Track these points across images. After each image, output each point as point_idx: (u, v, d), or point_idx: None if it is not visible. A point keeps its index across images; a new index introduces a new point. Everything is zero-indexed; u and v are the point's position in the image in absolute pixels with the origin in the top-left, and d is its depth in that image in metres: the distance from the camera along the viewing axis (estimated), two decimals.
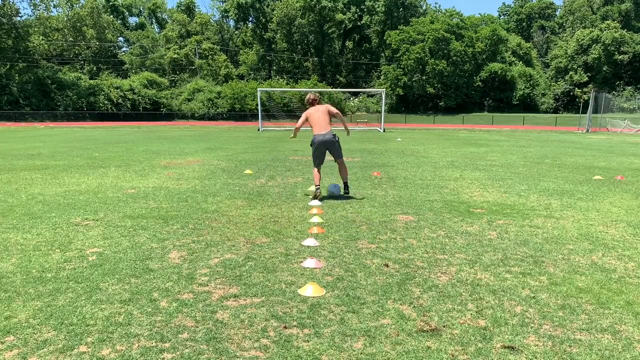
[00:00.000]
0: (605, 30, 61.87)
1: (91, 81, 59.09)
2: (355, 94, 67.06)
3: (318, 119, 7.14)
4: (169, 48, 72.42)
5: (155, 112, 60.03)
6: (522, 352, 2.80)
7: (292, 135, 7.69)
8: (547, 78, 68.00)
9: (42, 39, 60.73)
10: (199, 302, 3.44)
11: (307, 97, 7.45)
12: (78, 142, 19.60)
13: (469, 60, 65.03)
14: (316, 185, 7.14)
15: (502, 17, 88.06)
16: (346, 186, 7.45)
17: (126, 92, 58.89)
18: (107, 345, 2.84)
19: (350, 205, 6.87)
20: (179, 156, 13.74)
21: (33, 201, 6.93)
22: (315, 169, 7.28)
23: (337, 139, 7.25)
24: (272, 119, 50.40)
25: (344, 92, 63.15)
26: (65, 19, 67.20)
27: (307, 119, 7.23)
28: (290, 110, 56.41)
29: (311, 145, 7.27)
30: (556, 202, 7.26)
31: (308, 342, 2.90)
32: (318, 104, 7.36)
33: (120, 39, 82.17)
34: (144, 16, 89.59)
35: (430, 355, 2.76)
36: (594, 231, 5.55)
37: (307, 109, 7.39)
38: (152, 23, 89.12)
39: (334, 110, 7.27)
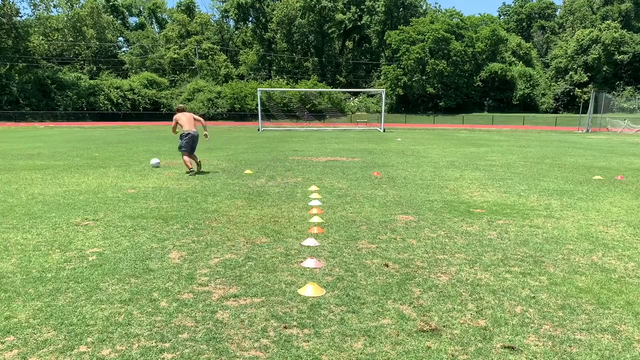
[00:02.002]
0: (605, 30, 61.76)
1: (91, 81, 59.02)
2: (355, 94, 67.02)
3: (187, 120, 9.92)
4: (169, 48, 72.35)
5: (155, 112, 59.98)
6: (522, 352, 2.80)
7: (173, 131, 10.07)
8: (547, 78, 67.90)
9: (42, 39, 60.67)
10: (199, 302, 3.44)
11: (178, 106, 10.22)
12: (78, 142, 19.59)
13: (469, 60, 64.96)
14: (190, 169, 9.81)
15: (502, 17, 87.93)
16: (199, 164, 10.22)
17: (126, 92, 58.85)
18: (107, 345, 2.84)
19: (350, 205, 6.88)
20: (179, 156, 13.71)
21: (33, 201, 6.93)
22: (186, 157, 9.89)
23: (197, 134, 10.08)
24: (272, 119, 50.43)
25: (344, 92, 63.12)
26: (65, 19, 67.10)
27: (178, 122, 9.93)
28: (290, 110, 56.46)
29: (181, 137, 9.80)
30: (556, 202, 7.26)
31: (308, 342, 2.90)
32: (184, 112, 10.07)
33: (120, 39, 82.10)
34: (144, 16, 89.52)
35: (430, 355, 2.76)
36: (594, 231, 5.55)
37: (176, 114, 10.08)
38: (152, 23, 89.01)
39: (198, 117, 10.17)
